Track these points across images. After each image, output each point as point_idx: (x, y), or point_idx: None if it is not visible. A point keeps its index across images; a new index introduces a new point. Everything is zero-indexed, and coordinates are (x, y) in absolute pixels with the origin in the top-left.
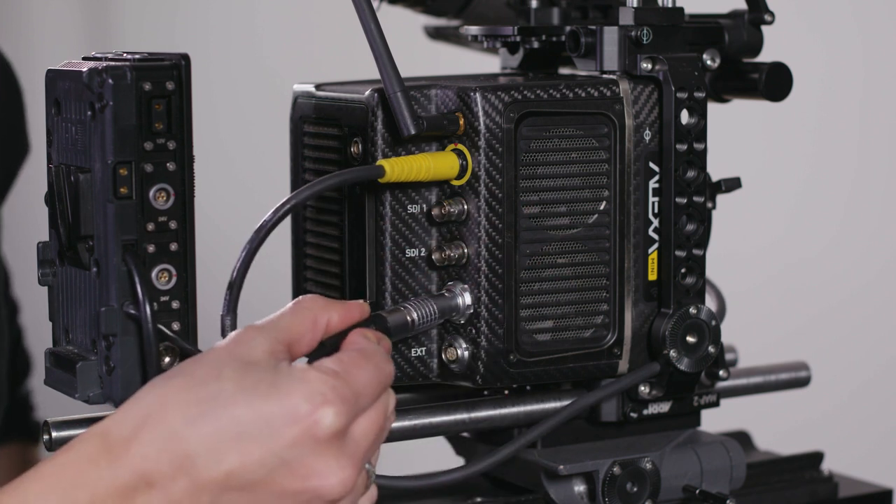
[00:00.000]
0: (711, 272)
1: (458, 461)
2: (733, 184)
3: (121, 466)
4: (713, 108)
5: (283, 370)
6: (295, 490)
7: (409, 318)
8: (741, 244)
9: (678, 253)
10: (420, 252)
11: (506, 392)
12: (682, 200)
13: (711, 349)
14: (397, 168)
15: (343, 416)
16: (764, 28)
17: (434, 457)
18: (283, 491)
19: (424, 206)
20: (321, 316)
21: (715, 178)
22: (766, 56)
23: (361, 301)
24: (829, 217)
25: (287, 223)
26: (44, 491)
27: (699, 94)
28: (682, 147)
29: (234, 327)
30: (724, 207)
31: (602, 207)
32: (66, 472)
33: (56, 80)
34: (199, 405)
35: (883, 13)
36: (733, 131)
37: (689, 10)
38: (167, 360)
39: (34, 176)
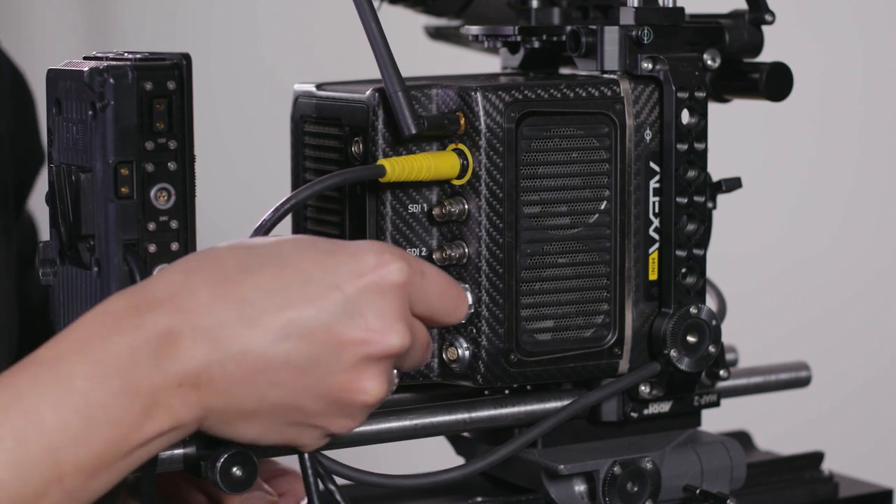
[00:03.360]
0: (712, 272)
1: (458, 461)
2: (734, 184)
3: (163, 314)
4: (714, 109)
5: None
6: (354, 340)
7: None
8: (742, 244)
9: (679, 253)
10: (421, 252)
11: (506, 392)
12: (683, 200)
13: (712, 349)
14: (398, 168)
15: (408, 273)
16: (764, 28)
17: (434, 457)
18: (341, 341)
19: (425, 205)
20: None
21: (715, 177)
22: (766, 56)
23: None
24: (830, 217)
25: (287, 223)
26: (79, 338)
27: (700, 94)
28: (683, 147)
29: None
30: (725, 207)
31: (603, 207)
32: (104, 320)
33: (57, 80)
34: (258, 258)
35: (883, 13)
36: (734, 131)
37: (689, 10)
38: None
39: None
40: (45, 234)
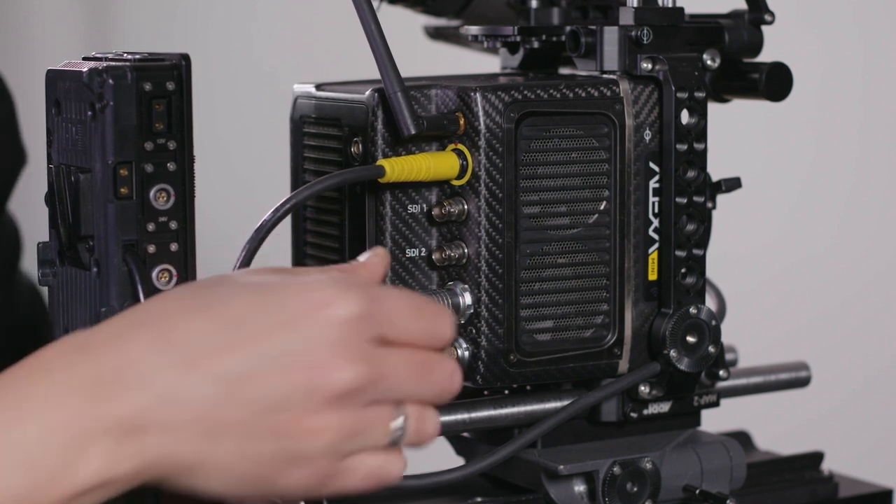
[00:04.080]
0: (712, 272)
1: (458, 461)
2: (733, 184)
3: (96, 358)
4: (714, 109)
5: (289, 275)
6: (298, 380)
7: None
8: (742, 244)
9: (678, 253)
10: (420, 252)
11: (506, 392)
12: (683, 200)
13: (711, 349)
14: (397, 168)
15: (358, 305)
16: (764, 28)
17: (434, 457)
18: (284, 382)
19: (424, 206)
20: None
21: (715, 178)
22: (766, 56)
23: (378, 248)
24: (830, 217)
25: (287, 223)
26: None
27: (699, 94)
28: (683, 147)
29: None
30: (725, 208)
31: (602, 207)
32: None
33: (56, 81)
34: (202, 299)
35: (883, 13)
36: (734, 132)
37: (689, 10)
38: None
39: (34, 176)
40: (40, 235)
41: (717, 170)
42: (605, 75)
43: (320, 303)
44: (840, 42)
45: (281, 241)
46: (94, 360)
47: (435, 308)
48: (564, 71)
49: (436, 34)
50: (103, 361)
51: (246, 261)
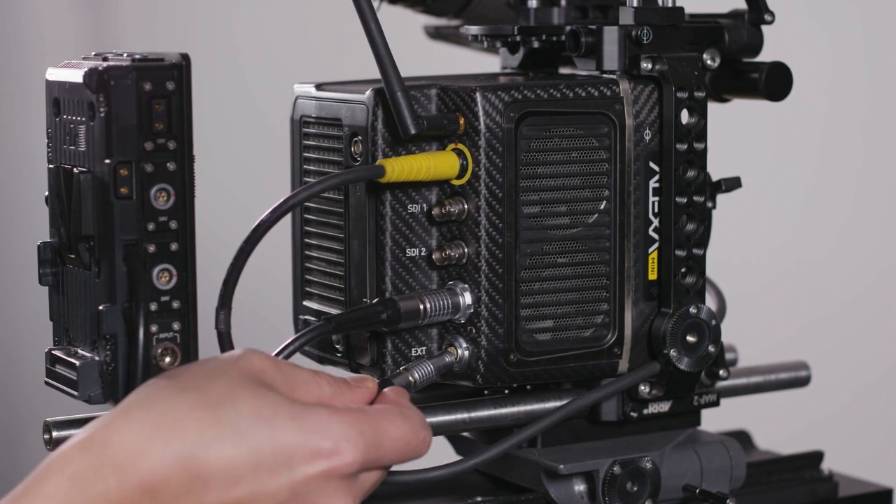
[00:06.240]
0: (715, 273)
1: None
2: (733, 183)
3: (128, 479)
4: (718, 109)
5: (301, 403)
6: None
7: (421, 306)
8: (745, 245)
9: (678, 252)
10: (420, 252)
11: (506, 392)
12: (683, 200)
13: (711, 349)
14: (397, 168)
15: (361, 462)
16: (769, 27)
17: (434, 457)
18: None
19: (425, 205)
20: (326, 396)
21: (718, 178)
22: (771, 56)
23: (369, 379)
24: (834, 219)
25: (288, 224)
26: None
27: (699, 94)
28: (683, 147)
29: (227, 321)
30: (729, 209)
31: (602, 207)
32: (73, 487)
33: (55, 80)
34: (217, 428)
35: (888, 13)
36: (738, 133)
37: (689, 10)
38: (167, 360)
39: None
40: (40, 235)
41: (721, 171)
42: (605, 75)
43: (331, 451)
44: (846, 44)
45: (282, 240)
46: (122, 482)
47: (419, 442)
48: (564, 71)
49: (436, 34)
50: (128, 484)
51: (241, 257)
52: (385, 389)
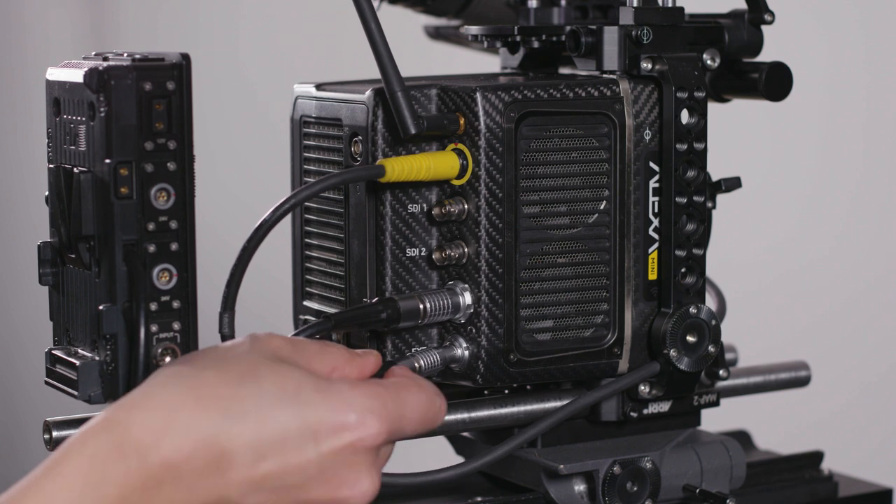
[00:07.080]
0: (716, 274)
1: (458, 461)
2: (733, 183)
3: (150, 458)
4: (718, 109)
5: (323, 378)
6: (324, 498)
7: (421, 306)
8: (746, 246)
9: (678, 252)
10: (420, 251)
11: (506, 392)
12: (682, 200)
13: (711, 348)
14: (398, 168)
15: (386, 434)
16: (769, 27)
17: (434, 457)
18: (311, 497)
19: (425, 205)
20: (339, 362)
21: (718, 178)
22: (771, 56)
23: (374, 352)
24: (833, 219)
25: (288, 224)
26: (70, 488)
27: (699, 94)
28: (682, 147)
29: (231, 324)
30: (729, 209)
31: (602, 207)
32: (93, 467)
33: (56, 80)
34: (240, 404)
35: (888, 13)
36: (738, 133)
37: (689, 10)
38: (168, 360)
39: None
40: (40, 235)
41: (721, 172)
42: (605, 75)
43: (356, 424)
44: (846, 44)
45: (282, 240)
46: (145, 462)
47: (436, 411)
48: (564, 71)
49: (436, 34)
50: (151, 463)
51: (244, 258)
52: (392, 367)
